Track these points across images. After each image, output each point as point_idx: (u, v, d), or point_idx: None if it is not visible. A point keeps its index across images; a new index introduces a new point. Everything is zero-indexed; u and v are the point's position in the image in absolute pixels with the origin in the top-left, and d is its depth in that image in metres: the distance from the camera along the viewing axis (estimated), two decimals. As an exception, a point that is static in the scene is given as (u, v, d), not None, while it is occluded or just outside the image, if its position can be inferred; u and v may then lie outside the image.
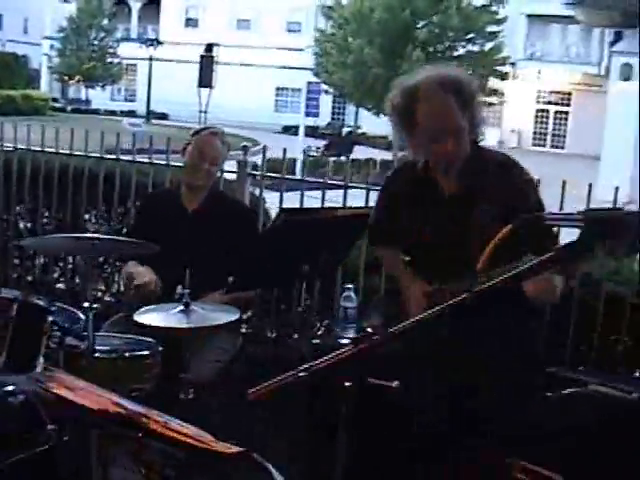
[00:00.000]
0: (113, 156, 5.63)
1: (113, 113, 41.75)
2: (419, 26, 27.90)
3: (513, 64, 29.86)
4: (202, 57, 25.21)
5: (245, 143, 5.15)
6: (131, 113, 41.84)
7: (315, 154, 23.58)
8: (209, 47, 25.49)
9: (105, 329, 4.06)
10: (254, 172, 5.18)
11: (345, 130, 38.62)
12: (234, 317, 3.48)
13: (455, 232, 3.13)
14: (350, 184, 4.87)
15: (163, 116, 41.68)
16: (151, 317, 3.40)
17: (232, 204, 4.39)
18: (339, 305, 4.29)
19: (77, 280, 6.13)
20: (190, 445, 2.07)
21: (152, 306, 3.51)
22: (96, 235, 3.36)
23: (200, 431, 2.13)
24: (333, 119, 43.49)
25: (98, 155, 5.69)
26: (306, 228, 3.36)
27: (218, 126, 4.42)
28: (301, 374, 1.58)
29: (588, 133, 34.96)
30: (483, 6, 28.35)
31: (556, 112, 43.33)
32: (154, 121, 36.36)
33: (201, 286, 3.64)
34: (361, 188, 4.81)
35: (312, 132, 32.55)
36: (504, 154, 3.23)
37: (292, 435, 3.84)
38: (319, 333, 5.16)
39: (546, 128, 43.51)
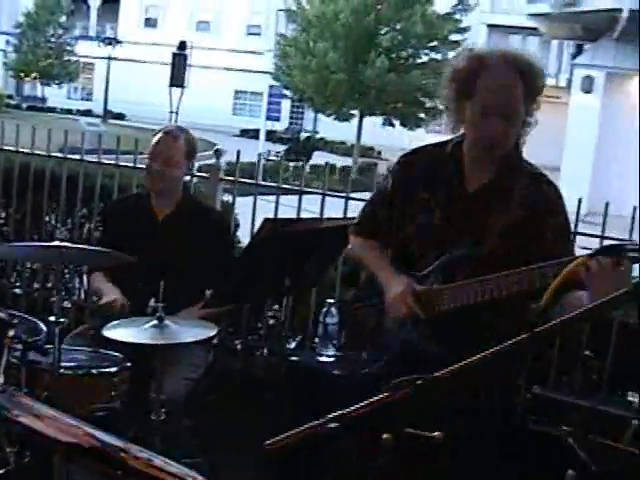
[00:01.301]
0: (77, 156, 5.35)
1: (69, 112, 41.21)
2: (383, 32, 27.75)
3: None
4: (174, 55, 24.28)
5: (218, 147, 4.91)
6: (88, 112, 41.27)
7: (274, 158, 23.27)
8: (182, 45, 24.59)
9: (68, 342, 3.79)
10: (227, 177, 4.93)
11: (303, 135, 38.43)
12: (211, 333, 3.26)
13: (472, 231, 2.86)
14: (328, 192, 4.66)
15: (120, 116, 41.14)
16: (122, 332, 3.15)
17: (204, 211, 4.14)
18: (317, 320, 4.09)
19: (35, 285, 5.86)
20: (177, 486, 1.84)
21: (122, 320, 3.27)
22: (65, 244, 3.10)
23: (188, 470, 1.89)
24: (291, 124, 43.30)
25: (61, 155, 5.42)
26: (291, 239, 3.15)
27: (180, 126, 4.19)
28: (331, 425, 1.35)
29: (546, 144, 35.23)
30: (447, 14, 28.30)
31: (514, 122, 43.52)
32: (111, 121, 35.89)
33: (173, 299, 3.38)
34: (340, 197, 4.62)
35: (270, 136, 32.29)
36: (539, 169, 2.96)
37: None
38: (290, 347, 4.94)
39: (504, 138, 43.68)
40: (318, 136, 37.58)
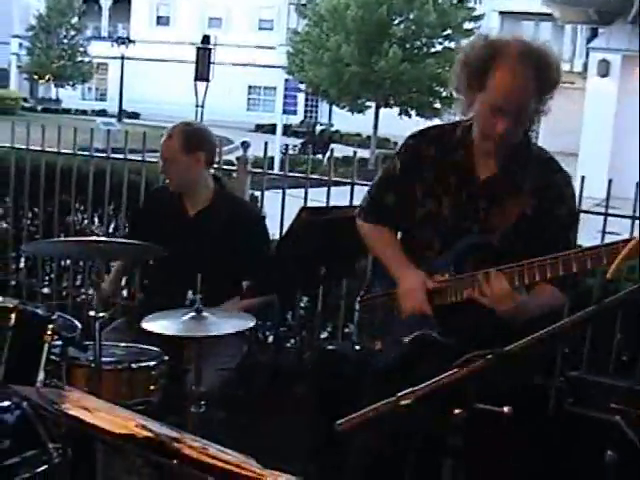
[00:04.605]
0: (104, 154, 5.38)
1: (84, 112, 41.28)
2: (395, 22, 27.65)
3: (490, 61, 29.57)
4: (198, 49, 24.25)
5: (245, 139, 4.90)
6: (102, 112, 41.38)
7: (292, 152, 23.24)
8: (205, 39, 24.56)
9: (105, 337, 3.81)
10: (255, 170, 4.93)
11: (318, 128, 38.37)
12: (250, 324, 3.26)
13: (483, 220, 2.82)
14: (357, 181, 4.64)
15: (135, 115, 41.23)
16: (162, 325, 3.16)
17: (239, 207, 4.12)
18: (350, 309, 4.08)
19: (64, 284, 5.89)
20: (233, 474, 1.83)
21: (161, 312, 3.27)
22: (102, 238, 3.12)
23: (244, 457, 1.89)
24: (306, 117, 43.24)
25: (87, 153, 5.45)
26: (327, 228, 3.15)
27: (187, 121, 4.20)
28: (404, 402, 1.34)
29: (562, 130, 35.02)
30: (460, 2, 28.16)
31: (529, 109, 43.27)
32: (126, 120, 35.95)
33: (208, 294, 3.37)
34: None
35: (285, 130, 32.20)
36: (549, 153, 2.93)
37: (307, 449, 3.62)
38: (322, 337, 4.94)
39: (519, 125, 43.46)
40: (333, 129, 37.50)
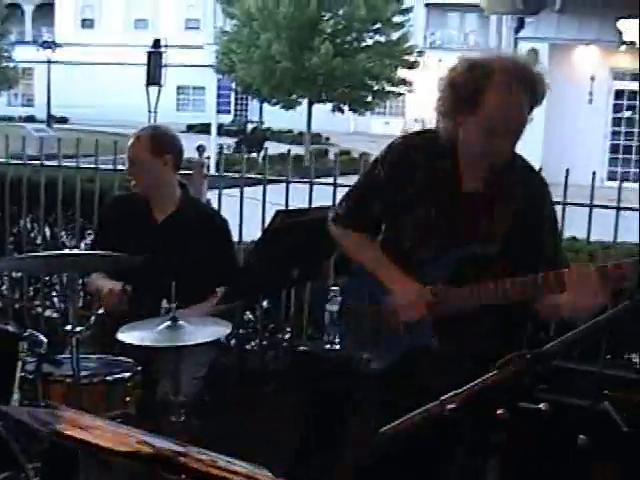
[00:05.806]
0: (55, 162, 5.28)
1: (11, 119, 40.47)
2: (326, 18, 27.77)
3: (421, 53, 29.79)
4: (149, 53, 23.72)
5: (200, 142, 4.86)
6: (30, 118, 40.66)
7: (227, 151, 23.09)
8: (156, 43, 24.03)
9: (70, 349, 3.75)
10: (212, 173, 4.90)
11: (250, 126, 38.23)
12: (227, 330, 3.23)
13: (472, 230, 2.81)
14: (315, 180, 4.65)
15: (63, 120, 40.57)
16: (137, 335, 3.11)
17: (204, 213, 4.12)
18: (314, 309, 4.07)
19: (16, 296, 5.77)
20: (246, 485, 1.81)
21: (135, 323, 3.22)
22: (75, 251, 3.06)
23: (255, 468, 1.87)
24: (236, 115, 43.04)
25: (38, 162, 5.34)
26: (302, 229, 3.14)
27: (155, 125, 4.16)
28: (450, 405, 1.34)
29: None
30: (389, -4, 28.38)
31: (458, 99, 43.69)
32: (55, 125, 35.37)
33: (178, 300, 3.33)
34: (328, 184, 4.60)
35: (218, 130, 31.92)
36: (525, 159, 2.92)
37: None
38: (286, 337, 4.92)
39: (449, 116, 43.85)
40: (264, 126, 37.39)
